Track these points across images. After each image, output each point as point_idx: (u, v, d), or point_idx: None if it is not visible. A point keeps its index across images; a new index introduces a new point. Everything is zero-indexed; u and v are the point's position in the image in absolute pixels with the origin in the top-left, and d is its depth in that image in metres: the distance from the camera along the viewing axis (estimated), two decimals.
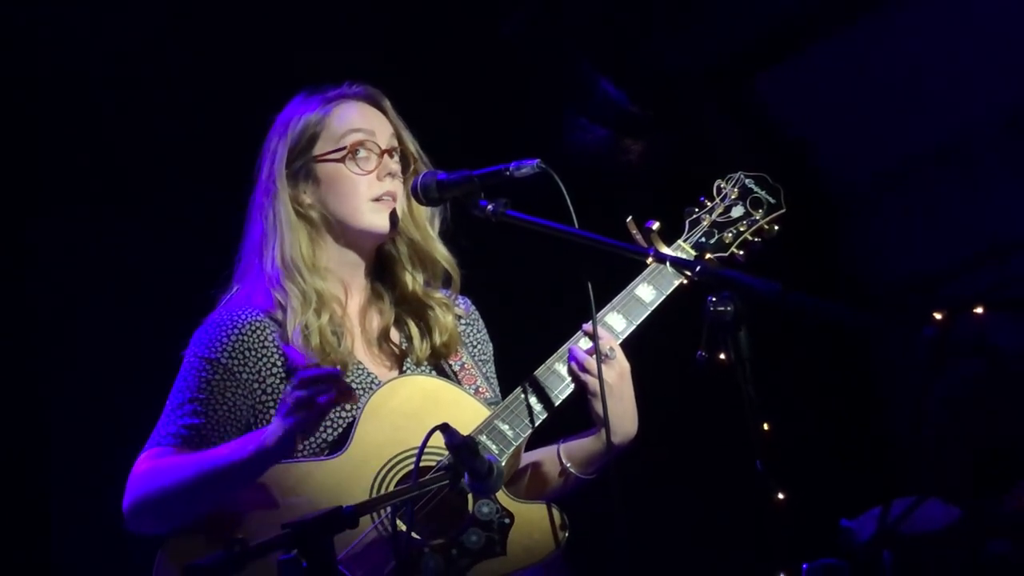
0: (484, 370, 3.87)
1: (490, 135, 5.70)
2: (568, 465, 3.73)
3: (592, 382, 3.62)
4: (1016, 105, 6.05)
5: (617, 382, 3.66)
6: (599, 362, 3.61)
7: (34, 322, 5.49)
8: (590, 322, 3.65)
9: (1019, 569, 5.05)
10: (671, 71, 6.31)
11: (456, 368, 3.79)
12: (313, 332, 3.63)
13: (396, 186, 3.76)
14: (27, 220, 5.48)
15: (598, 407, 3.63)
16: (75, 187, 5.49)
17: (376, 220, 3.73)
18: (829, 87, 6.36)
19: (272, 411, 3.62)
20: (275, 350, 3.67)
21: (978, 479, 5.66)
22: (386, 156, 3.76)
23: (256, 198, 3.78)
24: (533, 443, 3.74)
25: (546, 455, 3.77)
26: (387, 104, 3.82)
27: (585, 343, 3.70)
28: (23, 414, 5.43)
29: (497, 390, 3.86)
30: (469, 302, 3.94)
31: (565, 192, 3.51)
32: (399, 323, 3.81)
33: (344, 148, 3.73)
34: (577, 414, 3.72)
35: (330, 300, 3.70)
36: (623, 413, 3.67)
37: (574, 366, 3.66)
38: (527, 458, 3.78)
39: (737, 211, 3.90)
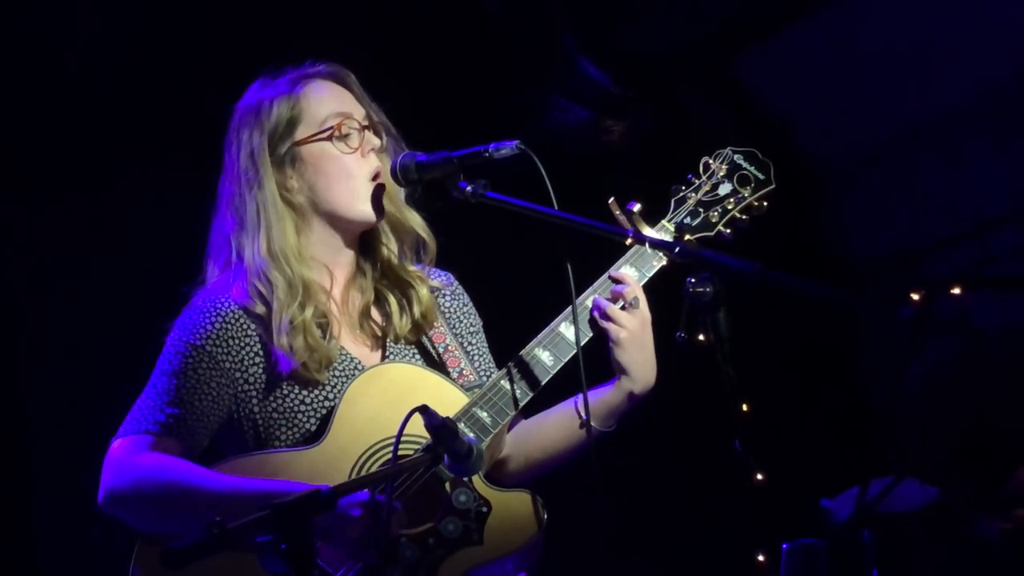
0: (474, 341, 3.86)
1: (470, 116, 5.69)
2: (589, 419, 3.69)
3: (614, 330, 3.62)
4: (997, 83, 6.05)
5: (640, 330, 3.65)
6: (579, 346, 3.61)
7: (11, 309, 5.48)
8: (616, 268, 3.68)
9: (1010, 549, 5.08)
10: (652, 51, 6.30)
11: (440, 350, 3.78)
12: (298, 328, 3.60)
13: (381, 160, 3.75)
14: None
15: (619, 356, 3.63)
16: (53, 169, 5.47)
17: (365, 208, 3.70)
18: (810, 66, 6.36)
19: (254, 402, 3.62)
20: (256, 339, 3.65)
21: (970, 461, 5.67)
22: (367, 132, 3.74)
23: (226, 189, 3.74)
24: (544, 404, 3.73)
25: (564, 412, 3.74)
26: (352, 80, 3.79)
27: (607, 292, 3.68)
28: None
29: (488, 363, 3.85)
30: (452, 276, 3.92)
31: (544, 173, 3.50)
32: (379, 299, 3.79)
33: (329, 129, 3.71)
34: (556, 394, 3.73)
35: (316, 291, 3.68)
36: (644, 361, 3.66)
37: (596, 315, 3.64)
38: (544, 418, 3.78)
39: (724, 188, 3.83)
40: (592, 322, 3.66)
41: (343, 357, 3.68)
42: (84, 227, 5.49)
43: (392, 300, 3.77)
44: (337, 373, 3.66)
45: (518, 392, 3.62)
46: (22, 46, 5.40)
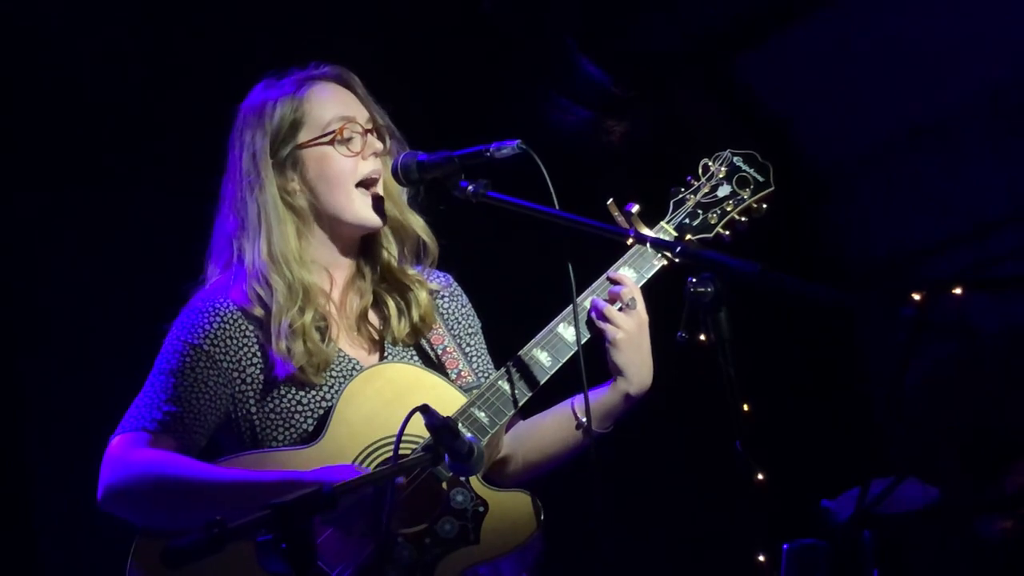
0: (473, 343, 3.86)
1: (471, 116, 5.69)
2: (585, 420, 3.68)
3: (611, 331, 3.62)
4: (997, 83, 6.06)
5: (636, 332, 3.64)
6: (579, 349, 3.60)
7: (11, 309, 5.47)
8: (614, 269, 3.68)
9: (1013, 549, 5.08)
10: (653, 51, 6.30)
11: (439, 352, 3.78)
12: (297, 332, 3.60)
13: (384, 164, 3.74)
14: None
15: (615, 357, 3.63)
16: (53, 169, 5.47)
17: (367, 214, 3.69)
18: (811, 66, 6.36)
19: (251, 402, 3.62)
20: (254, 341, 3.65)
21: (970, 461, 5.68)
22: (369, 135, 3.73)
23: (228, 190, 3.73)
24: (542, 404, 3.73)
25: (560, 414, 3.74)
26: (356, 82, 3.78)
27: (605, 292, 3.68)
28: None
29: (487, 364, 3.85)
30: (451, 277, 3.92)
31: (546, 173, 3.50)
32: (377, 302, 3.79)
33: (332, 133, 3.69)
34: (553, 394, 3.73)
35: (316, 294, 3.67)
36: (641, 363, 3.66)
37: (594, 315, 3.64)
38: (540, 419, 3.78)
39: (723, 190, 3.82)
40: (590, 323, 3.66)
41: (341, 358, 3.68)
42: (84, 226, 5.48)
43: (391, 304, 3.77)
44: (335, 374, 3.65)
45: (516, 392, 3.61)
46: (22, 44, 5.40)
